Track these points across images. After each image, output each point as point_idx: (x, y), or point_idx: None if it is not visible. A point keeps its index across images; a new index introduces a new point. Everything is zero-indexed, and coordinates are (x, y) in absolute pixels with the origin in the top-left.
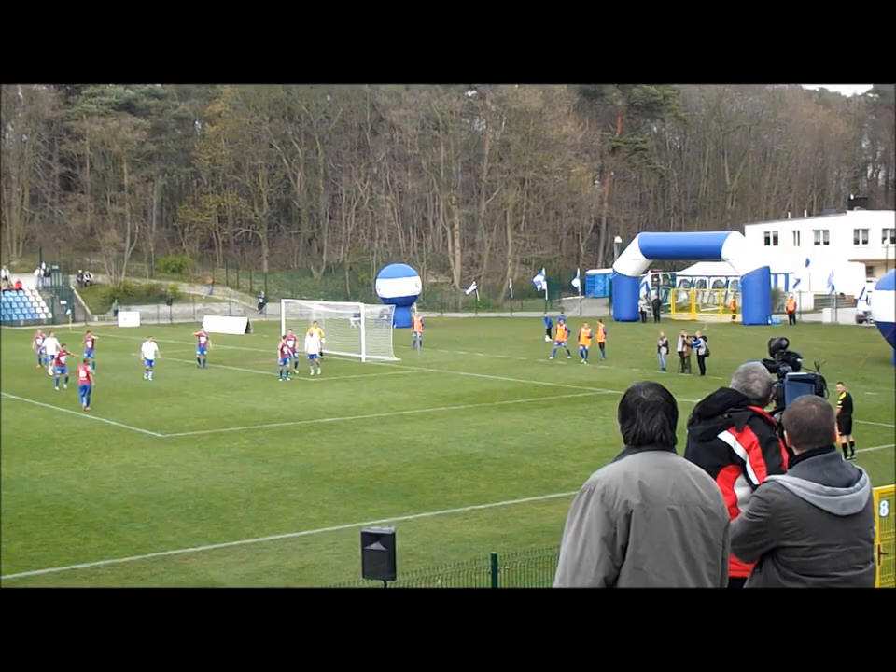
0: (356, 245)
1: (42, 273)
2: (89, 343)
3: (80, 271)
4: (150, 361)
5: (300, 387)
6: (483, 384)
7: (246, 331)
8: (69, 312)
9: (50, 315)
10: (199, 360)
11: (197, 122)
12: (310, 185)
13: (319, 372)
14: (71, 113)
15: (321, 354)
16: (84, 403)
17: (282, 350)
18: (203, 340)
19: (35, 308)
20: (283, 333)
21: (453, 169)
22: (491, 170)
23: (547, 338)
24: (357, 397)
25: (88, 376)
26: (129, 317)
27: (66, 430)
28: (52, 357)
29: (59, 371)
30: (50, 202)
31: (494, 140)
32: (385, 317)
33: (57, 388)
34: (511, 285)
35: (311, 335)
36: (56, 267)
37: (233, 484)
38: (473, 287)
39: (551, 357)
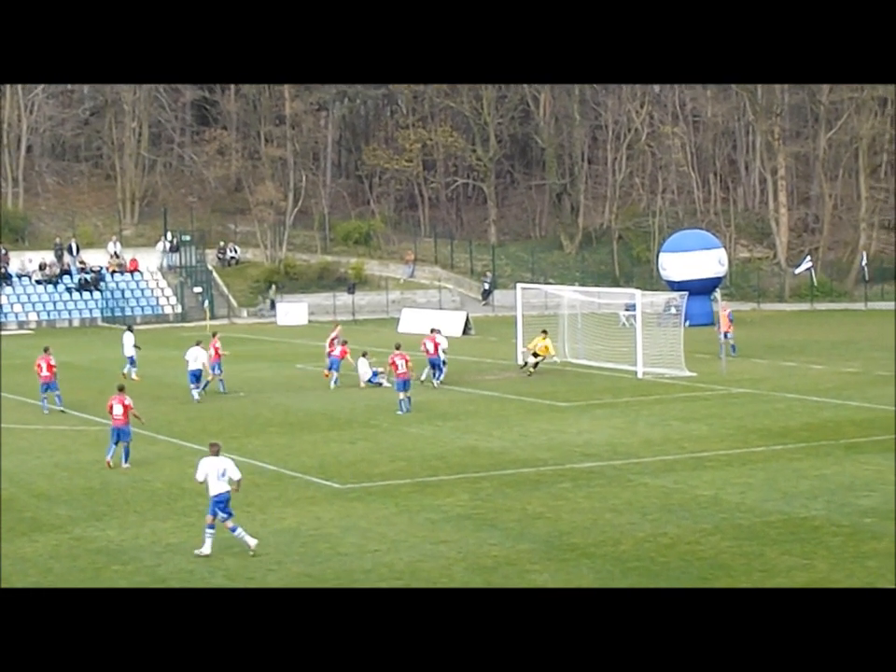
0: (628, 201)
1: (167, 246)
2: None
3: (222, 243)
4: (372, 378)
5: (543, 416)
6: (822, 411)
7: (465, 332)
8: (206, 303)
9: (179, 309)
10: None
11: None
12: (559, 112)
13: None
14: None
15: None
16: None
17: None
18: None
19: (158, 298)
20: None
21: (776, 85)
22: (835, 87)
23: None
24: (630, 430)
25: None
26: (292, 311)
27: None
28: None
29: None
30: (179, 142)
31: None
32: (674, 311)
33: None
34: (865, 261)
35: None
36: (187, 238)
37: (446, 560)
38: (807, 264)
39: None
